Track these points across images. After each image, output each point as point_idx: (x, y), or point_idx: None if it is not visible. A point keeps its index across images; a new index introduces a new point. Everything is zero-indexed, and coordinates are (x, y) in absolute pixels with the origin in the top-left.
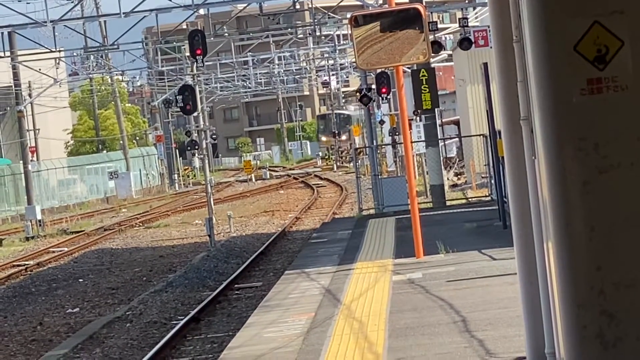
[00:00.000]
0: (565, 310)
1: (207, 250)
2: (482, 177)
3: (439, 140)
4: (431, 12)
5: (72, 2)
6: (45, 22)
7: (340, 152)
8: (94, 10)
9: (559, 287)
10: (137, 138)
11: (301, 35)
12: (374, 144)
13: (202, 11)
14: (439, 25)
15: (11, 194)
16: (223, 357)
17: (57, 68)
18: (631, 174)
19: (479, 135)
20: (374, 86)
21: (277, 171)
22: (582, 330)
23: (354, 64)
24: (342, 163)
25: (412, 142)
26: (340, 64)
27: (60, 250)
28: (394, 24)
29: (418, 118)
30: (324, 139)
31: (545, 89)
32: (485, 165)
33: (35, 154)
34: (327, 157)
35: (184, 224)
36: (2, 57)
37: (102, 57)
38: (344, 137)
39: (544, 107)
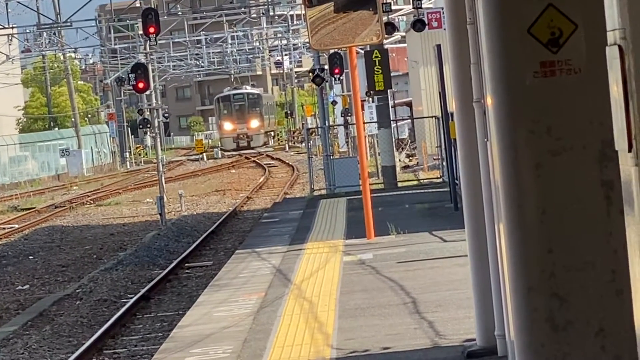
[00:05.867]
0: (515, 292)
1: (158, 228)
2: (434, 159)
3: (391, 122)
4: None
5: None
6: None
7: (292, 133)
8: None
9: (510, 270)
10: (89, 116)
11: (254, 15)
12: (326, 124)
13: None
14: (393, 7)
15: None
16: (173, 336)
17: (9, 45)
18: (583, 156)
19: (431, 117)
20: (326, 67)
21: (228, 150)
22: (532, 313)
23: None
24: (294, 143)
25: (364, 123)
26: (294, 44)
27: (11, 227)
28: (347, 4)
29: (370, 99)
30: (228, 126)
31: (498, 72)
32: (437, 147)
33: None
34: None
35: (135, 202)
36: None
37: (55, 34)
38: (254, 124)
39: (497, 89)
